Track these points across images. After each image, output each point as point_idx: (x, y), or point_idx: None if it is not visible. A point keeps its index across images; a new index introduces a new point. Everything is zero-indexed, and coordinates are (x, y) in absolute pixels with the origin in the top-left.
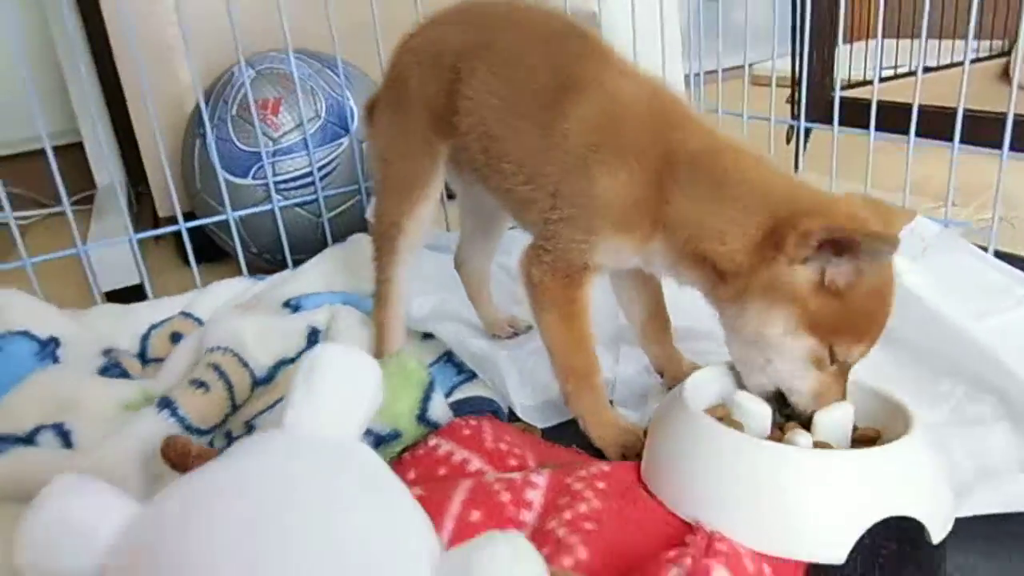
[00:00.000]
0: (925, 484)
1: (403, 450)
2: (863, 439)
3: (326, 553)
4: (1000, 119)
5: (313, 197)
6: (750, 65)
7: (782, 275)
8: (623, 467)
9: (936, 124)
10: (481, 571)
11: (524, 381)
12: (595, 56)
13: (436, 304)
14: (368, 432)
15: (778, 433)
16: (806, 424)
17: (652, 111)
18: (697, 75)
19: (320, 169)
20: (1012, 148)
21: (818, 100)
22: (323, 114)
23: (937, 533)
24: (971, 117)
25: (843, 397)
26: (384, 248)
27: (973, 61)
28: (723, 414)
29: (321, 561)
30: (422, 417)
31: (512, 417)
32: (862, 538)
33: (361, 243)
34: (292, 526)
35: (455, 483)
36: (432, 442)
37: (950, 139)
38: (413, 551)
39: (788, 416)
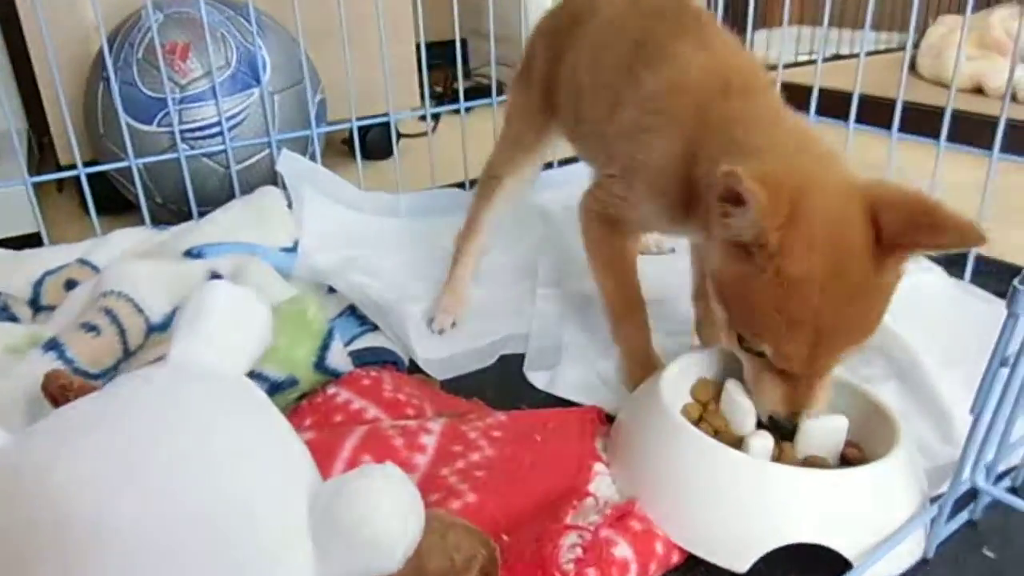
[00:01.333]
0: (861, 521)
1: (301, 397)
2: (852, 458)
3: (196, 485)
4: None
5: (221, 148)
6: None
7: (713, 227)
8: (521, 416)
9: (838, 106)
10: (353, 497)
11: (427, 334)
12: (681, 31)
13: (344, 259)
14: (264, 378)
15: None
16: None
17: (711, 81)
18: None
19: (229, 119)
20: (903, 131)
21: None
22: (233, 62)
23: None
24: (871, 101)
25: (783, 409)
26: (482, 192)
27: (884, 51)
28: (707, 397)
29: (190, 493)
30: (320, 365)
31: (412, 369)
32: (764, 556)
33: (270, 195)
34: (164, 458)
35: (349, 428)
36: (331, 390)
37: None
38: (289, 481)
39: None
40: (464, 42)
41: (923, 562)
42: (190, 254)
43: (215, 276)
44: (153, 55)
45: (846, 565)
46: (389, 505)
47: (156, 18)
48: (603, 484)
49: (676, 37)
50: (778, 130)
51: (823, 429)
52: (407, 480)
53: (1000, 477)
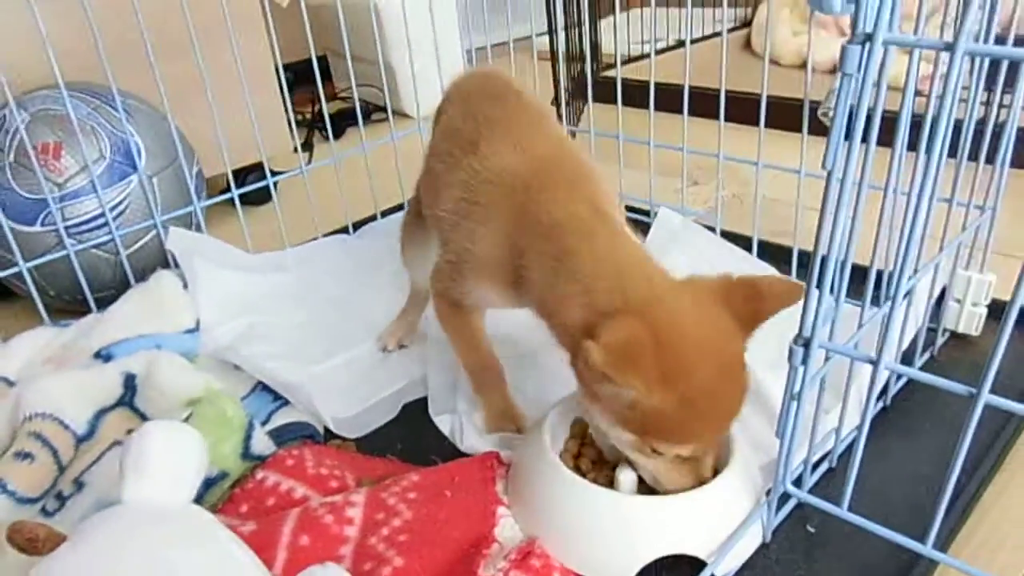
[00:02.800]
0: (710, 528)
1: (233, 484)
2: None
3: None
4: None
5: (108, 237)
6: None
7: (590, 377)
8: (431, 474)
9: (675, 101)
10: None
11: (334, 396)
12: (504, 123)
13: (244, 329)
14: None
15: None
16: None
17: (523, 179)
18: (477, 50)
19: (112, 209)
20: (732, 120)
21: (579, 79)
22: (108, 154)
23: (721, 569)
24: (702, 94)
25: (691, 483)
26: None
27: (715, 35)
28: (585, 432)
29: None
30: (245, 454)
31: (328, 433)
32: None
33: (165, 279)
34: None
35: (284, 514)
36: (259, 475)
37: (693, 115)
38: None
39: None
40: (323, 60)
41: (763, 546)
42: (99, 356)
43: (129, 377)
44: (25, 157)
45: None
46: None
47: (23, 118)
48: (507, 526)
49: (492, 128)
50: (597, 247)
51: None
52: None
53: (819, 462)
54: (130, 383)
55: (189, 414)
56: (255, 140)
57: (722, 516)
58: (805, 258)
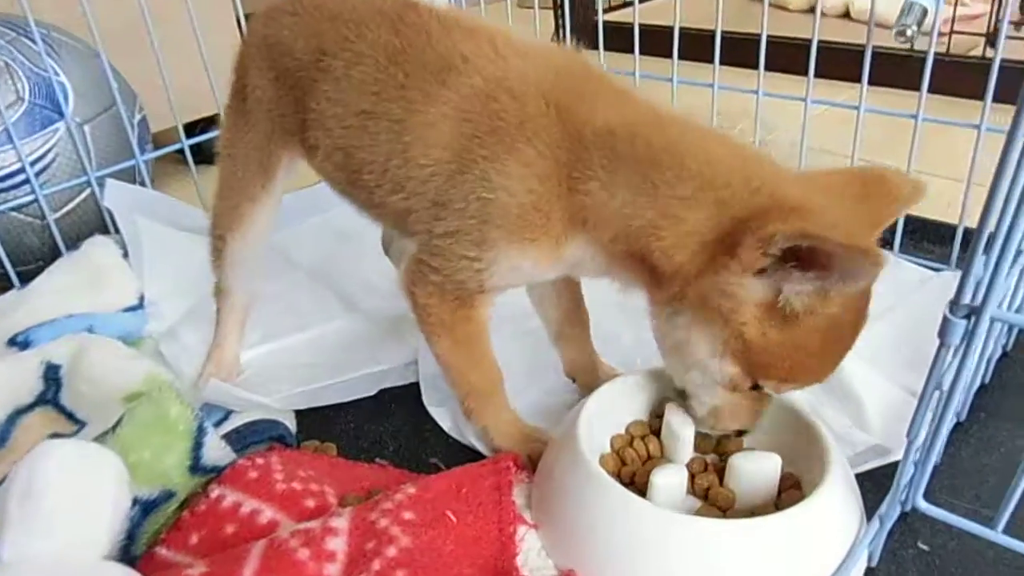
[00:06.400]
0: (810, 556)
1: (180, 507)
2: (786, 486)
3: None
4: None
5: (31, 198)
6: None
7: (728, 286)
8: (431, 484)
9: (698, 48)
10: None
11: (272, 380)
12: (457, 32)
13: (193, 305)
14: (134, 500)
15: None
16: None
17: (545, 85)
18: None
19: (34, 164)
20: (767, 68)
21: (585, 24)
22: (27, 96)
23: None
24: (729, 39)
25: (750, 425)
26: (215, 256)
27: None
28: (641, 432)
29: None
30: (196, 467)
31: (302, 435)
32: None
33: (100, 247)
34: None
35: (245, 548)
36: (214, 493)
37: (710, 62)
38: None
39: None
40: None
41: (868, 571)
42: (15, 343)
43: (51, 368)
44: None
45: None
46: None
47: None
48: (531, 551)
49: (451, 40)
50: (696, 140)
51: (760, 467)
52: None
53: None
54: (53, 375)
55: (119, 419)
56: (210, 89)
57: (825, 539)
58: None
